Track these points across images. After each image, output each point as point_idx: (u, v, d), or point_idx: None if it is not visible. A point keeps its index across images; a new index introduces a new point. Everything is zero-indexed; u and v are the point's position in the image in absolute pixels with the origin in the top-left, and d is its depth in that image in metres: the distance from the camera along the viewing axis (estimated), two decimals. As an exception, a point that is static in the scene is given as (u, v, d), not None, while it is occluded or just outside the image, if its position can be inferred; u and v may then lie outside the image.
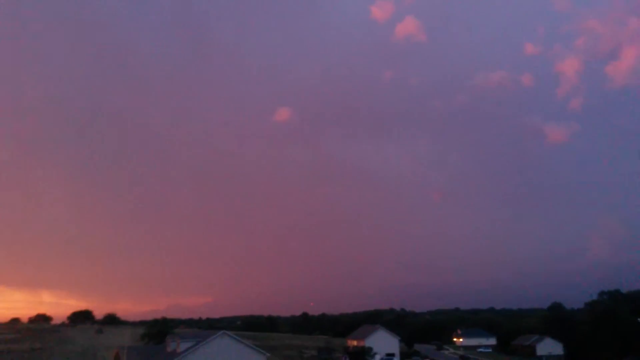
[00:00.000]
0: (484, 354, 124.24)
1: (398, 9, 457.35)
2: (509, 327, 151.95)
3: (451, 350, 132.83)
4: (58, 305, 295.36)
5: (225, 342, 55.62)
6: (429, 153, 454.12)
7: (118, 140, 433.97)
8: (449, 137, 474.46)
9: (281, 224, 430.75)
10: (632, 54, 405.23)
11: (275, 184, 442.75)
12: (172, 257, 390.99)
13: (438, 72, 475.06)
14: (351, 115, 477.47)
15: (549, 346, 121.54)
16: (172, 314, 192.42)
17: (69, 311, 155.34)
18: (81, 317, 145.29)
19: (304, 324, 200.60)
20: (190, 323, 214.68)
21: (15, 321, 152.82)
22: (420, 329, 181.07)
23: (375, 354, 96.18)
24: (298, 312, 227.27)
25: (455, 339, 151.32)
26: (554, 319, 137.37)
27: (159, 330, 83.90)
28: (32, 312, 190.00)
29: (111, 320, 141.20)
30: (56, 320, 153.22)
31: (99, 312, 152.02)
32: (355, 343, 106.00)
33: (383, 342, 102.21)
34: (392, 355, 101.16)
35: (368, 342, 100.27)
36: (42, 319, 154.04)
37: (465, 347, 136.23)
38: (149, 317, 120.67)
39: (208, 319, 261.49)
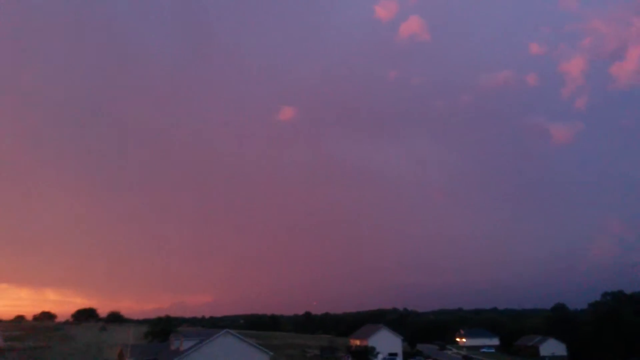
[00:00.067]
0: (487, 354, 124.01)
1: (402, 9, 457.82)
2: (512, 328, 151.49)
3: (454, 350, 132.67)
4: (62, 303, 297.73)
5: (228, 341, 55.79)
6: (432, 153, 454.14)
7: (120, 140, 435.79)
8: (452, 137, 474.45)
9: (285, 223, 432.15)
10: (637, 54, 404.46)
11: (278, 184, 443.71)
12: (175, 256, 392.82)
13: (442, 72, 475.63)
14: (352, 115, 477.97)
15: (552, 347, 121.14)
16: (175, 313, 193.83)
17: (73, 309, 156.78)
18: (85, 315, 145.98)
19: (307, 323, 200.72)
20: (193, 321, 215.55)
21: (20, 319, 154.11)
22: (423, 328, 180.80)
23: (378, 353, 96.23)
24: (301, 311, 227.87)
25: (458, 339, 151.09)
26: (558, 320, 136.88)
27: (162, 329, 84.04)
28: (37, 310, 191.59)
29: (115, 318, 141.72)
30: (60, 318, 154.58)
31: (103, 310, 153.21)
32: (358, 342, 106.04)
33: (386, 341, 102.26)
34: (395, 355, 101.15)
35: (371, 342, 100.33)
36: (46, 316, 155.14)
37: (468, 347, 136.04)
38: (153, 316, 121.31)
39: (211, 318, 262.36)
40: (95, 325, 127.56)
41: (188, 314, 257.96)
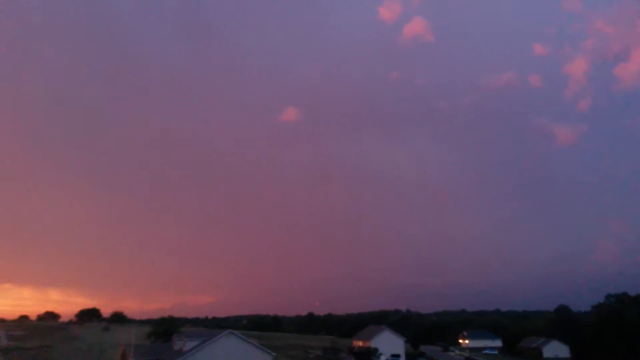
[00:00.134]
0: (490, 356, 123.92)
1: (406, 10, 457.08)
2: (515, 329, 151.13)
3: (457, 351, 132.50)
4: (66, 303, 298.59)
5: (231, 342, 55.85)
6: (434, 153, 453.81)
7: (121, 140, 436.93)
8: (454, 137, 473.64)
9: (286, 223, 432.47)
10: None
11: (279, 184, 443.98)
12: (178, 256, 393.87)
13: (445, 73, 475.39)
14: (353, 115, 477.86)
15: (555, 349, 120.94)
16: (178, 313, 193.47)
17: (76, 309, 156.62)
18: (89, 315, 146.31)
19: (310, 324, 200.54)
20: (196, 322, 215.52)
21: (23, 318, 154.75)
22: (426, 330, 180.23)
23: (380, 354, 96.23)
24: (304, 312, 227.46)
25: (460, 341, 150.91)
26: (561, 322, 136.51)
27: (165, 329, 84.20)
28: (41, 310, 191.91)
29: (118, 318, 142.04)
30: (64, 318, 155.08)
31: (106, 310, 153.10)
32: (360, 343, 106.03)
33: (388, 342, 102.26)
34: (398, 356, 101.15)
35: (374, 343, 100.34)
36: (50, 316, 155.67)
37: (471, 349, 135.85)
38: (156, 316, 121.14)
39: (214, 318, 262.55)
40: (98, 325, 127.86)
41: (191, 315, 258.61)
